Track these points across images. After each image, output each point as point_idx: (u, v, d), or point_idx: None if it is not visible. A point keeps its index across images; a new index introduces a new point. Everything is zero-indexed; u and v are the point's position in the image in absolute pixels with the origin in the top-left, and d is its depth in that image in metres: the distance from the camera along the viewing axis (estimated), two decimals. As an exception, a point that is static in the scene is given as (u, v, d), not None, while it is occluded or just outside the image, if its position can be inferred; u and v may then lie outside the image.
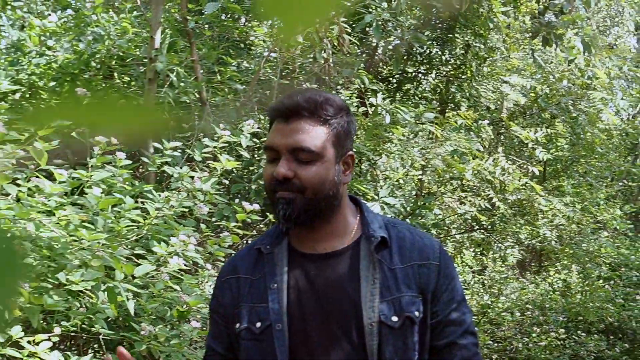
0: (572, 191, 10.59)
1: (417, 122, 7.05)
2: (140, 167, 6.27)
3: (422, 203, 7.27)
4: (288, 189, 1.95)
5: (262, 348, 2.00)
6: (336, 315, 1.99)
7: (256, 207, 4.67)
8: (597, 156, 11.90)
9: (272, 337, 1.98)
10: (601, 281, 10.16)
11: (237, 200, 5.58)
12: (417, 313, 2.00)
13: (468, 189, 8.36)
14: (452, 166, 7.22)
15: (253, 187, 6.41)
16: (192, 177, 4.76)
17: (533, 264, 12.06)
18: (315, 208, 1.99)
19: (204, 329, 4.05)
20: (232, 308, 2.09)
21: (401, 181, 7.64)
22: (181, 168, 4.89)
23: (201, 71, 6.54)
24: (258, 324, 2.01)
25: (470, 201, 8.25)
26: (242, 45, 8.03)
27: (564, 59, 9.35)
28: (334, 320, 1.99)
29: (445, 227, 8.82)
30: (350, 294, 2.00)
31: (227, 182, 6.68)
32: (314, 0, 0.67)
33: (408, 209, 7.09)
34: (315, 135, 1.97)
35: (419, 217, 7.18)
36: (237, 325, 2.06)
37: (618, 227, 11.59)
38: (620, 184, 13.48)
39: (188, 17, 6.53)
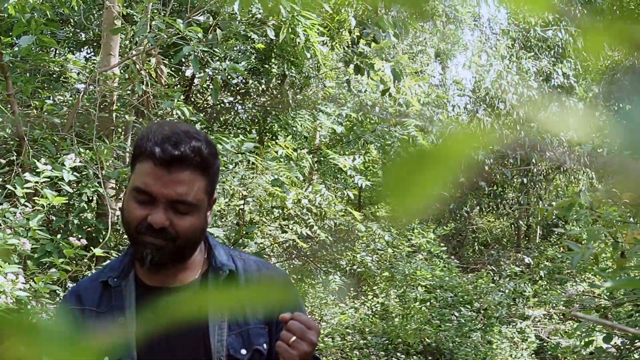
0: (386, 216, 10.94)
1: (237, 151, 7.15)
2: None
3: (244, 232, 7.35)
4: (160, 237, 1.88)
5: None
6: (185, 350, 1.99)
7: (83, 242, 4.64)
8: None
9: None
10: (418, 303, 10.58)
11: (58, 236, 5.49)
12: (265, 345, 2.03)
13: (289, 218, 8.52)
14: (274, 195, 7.37)
15: (75, 221, 6.31)
16: (14, 213, 4.67)
17: (352, 289, 12.39)
18: (182, 254, 1.97)
19: None
20: None
21: (223, 211, 7.72)
22: (1, 204, 4.78)
23: (17, 105, 6.39)
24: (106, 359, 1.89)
25: (291, 229, 8.40)
26: (57, 78, 7.90)
27: (376, 86, 9.77)
28: (183, 354, 1.98)
29: (266, 256, 8.95)
30: (199, 328, 1.99)
31: (50, 217, 6.56)
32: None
33: (232, 239, 7.17)
34: (196, 187, 1.90)
35: (242, 247, 7.25)
36: None
37: (432, 250, 12.12)
38: (432, 207, 14.03)
39: (2, 51, 6.37)
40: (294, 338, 1.85)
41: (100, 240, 6.07)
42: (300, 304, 2.11)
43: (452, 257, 14.05)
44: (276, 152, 8.01)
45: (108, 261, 2.24)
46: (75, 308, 2.03)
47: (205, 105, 10.09)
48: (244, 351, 2.00)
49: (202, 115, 8.31)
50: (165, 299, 1.93)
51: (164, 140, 1.86)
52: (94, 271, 3.86)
